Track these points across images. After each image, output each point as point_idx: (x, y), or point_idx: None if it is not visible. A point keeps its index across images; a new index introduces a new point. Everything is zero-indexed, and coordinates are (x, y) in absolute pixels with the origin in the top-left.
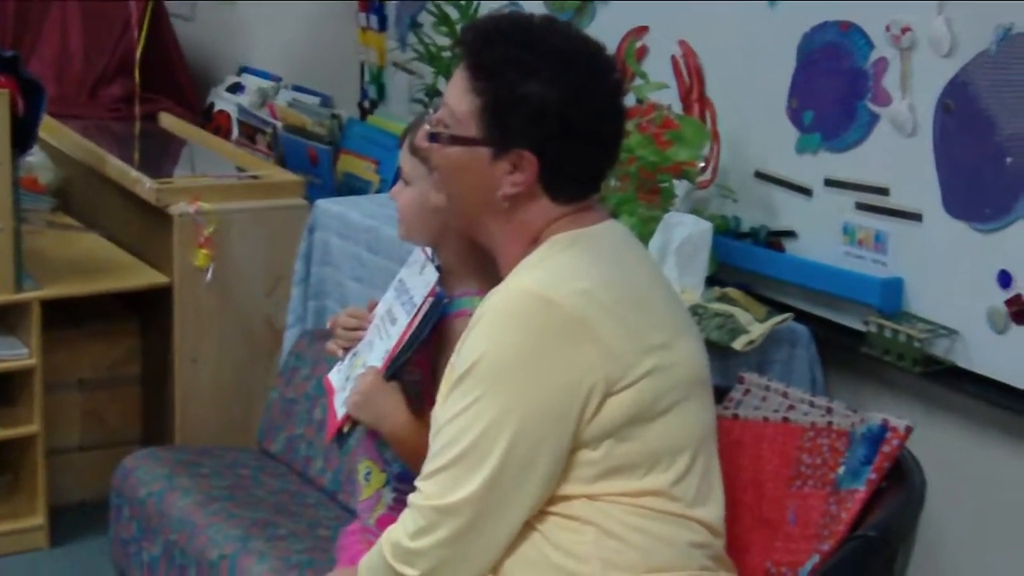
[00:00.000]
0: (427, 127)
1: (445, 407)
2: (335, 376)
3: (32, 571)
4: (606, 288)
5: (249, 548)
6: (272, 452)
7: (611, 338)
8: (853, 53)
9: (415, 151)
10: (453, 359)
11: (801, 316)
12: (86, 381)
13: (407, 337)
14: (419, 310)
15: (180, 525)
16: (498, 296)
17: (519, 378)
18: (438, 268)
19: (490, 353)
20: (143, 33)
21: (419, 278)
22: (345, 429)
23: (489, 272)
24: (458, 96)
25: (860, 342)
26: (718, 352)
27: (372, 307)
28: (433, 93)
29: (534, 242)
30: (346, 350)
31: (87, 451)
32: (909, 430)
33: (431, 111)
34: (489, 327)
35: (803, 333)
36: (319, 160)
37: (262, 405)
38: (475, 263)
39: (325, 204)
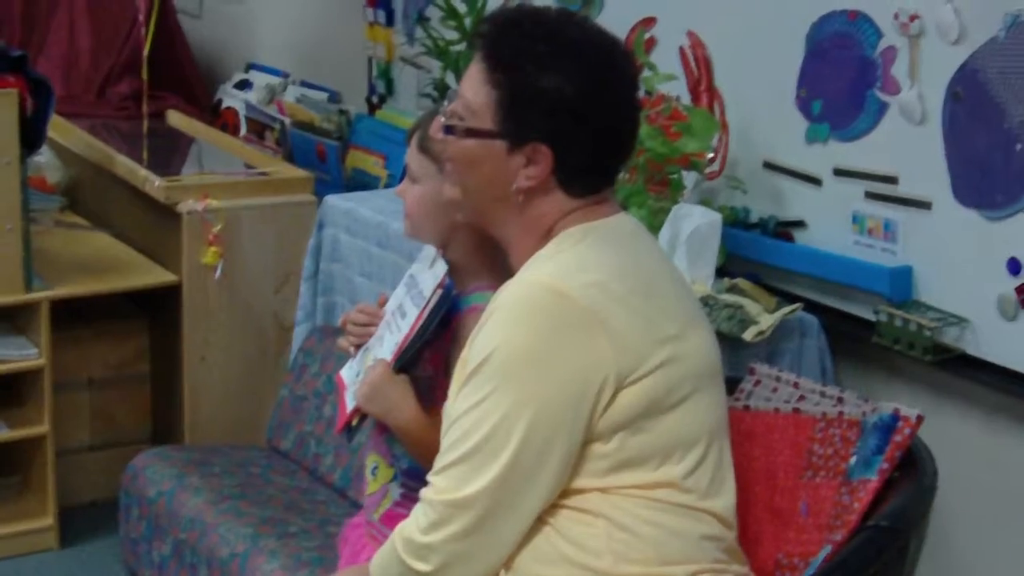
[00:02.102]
0: (442, 119)
1: (457, 401)
2: (347, 372)
3: (43, 572)
4: (618, 280)
5: (260, 546)
6: (282, 450)
7: (624, 330)
8: (861, 42)
9: (423, 149)
10: (465, 353)
11: (811, 306)
12: (95, 380)
13: (416, 329)
14: (428, 302)
15: (190, 524)
16: (510, 289)
17: (532, 371)
18: (447, 264)
19: (503, 346)
20: (151, 30)
21: (429, 272)
22: (354, 422)
23: (499, 267)
24: (474, 88)
25: (870, 331)
26: (728, 343)
27: (383, 303)
28: (442, 87)
29: (547, 235)
30: (357, 347)
31: (96, 451)
32: (920, 419)
33: (445, 103)
34: (502, 320)
35: (813, 323)
36: (328, 156)
37: (271, 402)
38: (485, 259)
39: (334, 200)
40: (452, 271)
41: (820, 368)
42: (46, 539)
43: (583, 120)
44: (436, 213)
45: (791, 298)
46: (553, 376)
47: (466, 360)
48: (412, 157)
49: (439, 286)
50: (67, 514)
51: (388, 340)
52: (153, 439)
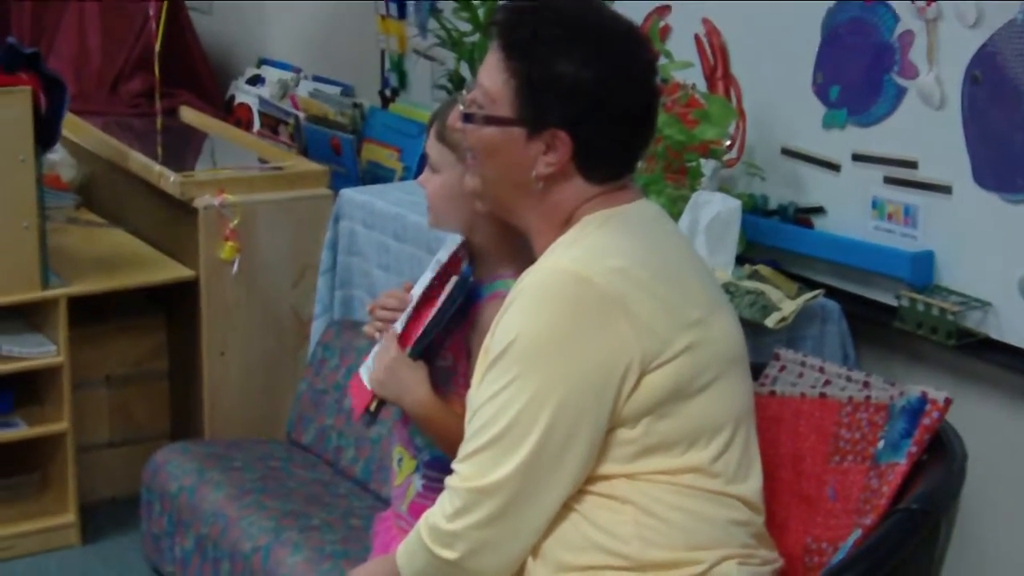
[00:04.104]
0: (461, 108)
1: (481, 388)
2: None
3: (65, 569)
4: (641, 265)
5: (282, 539)
6: (303, 443)
7: (647, 315)
8: (878, 26)
9: (442, 138)
10: (487, 340)
11: (831, 292)
12: (114, 377)
13: (432, 316)
14: (444, 288)
15: (212, 518)
16: (532, 276)
17: (556, 357)
18: (469, 252)
19: (526, 332)
20: (161, 27)
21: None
22: (372, 407)
23: (522, 255)
24: (492, 76)
25: (892, 317)
26: (750, 329)
27: (407, 289)
28: (457, 79)
29: (567, 222)
30: (383, 333)
31: (116, 447)
32: (949, 402)
33: (464, 92)
34: (524, 307)
35: (834, 309)
36: (343, 149)
37: (291, 397)
38: (508, 246)
39: (350, 193)
40: (477, 258)
41: (842, 354)
42: (67, 536)
43: (601, 105)
44: (458, 202)
45: (811, 284)
46: (577, 362)
47: (488, 347)
48: (432, 147)
49: (455, 273)
50: (88, 511)
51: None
52: (172, 435)
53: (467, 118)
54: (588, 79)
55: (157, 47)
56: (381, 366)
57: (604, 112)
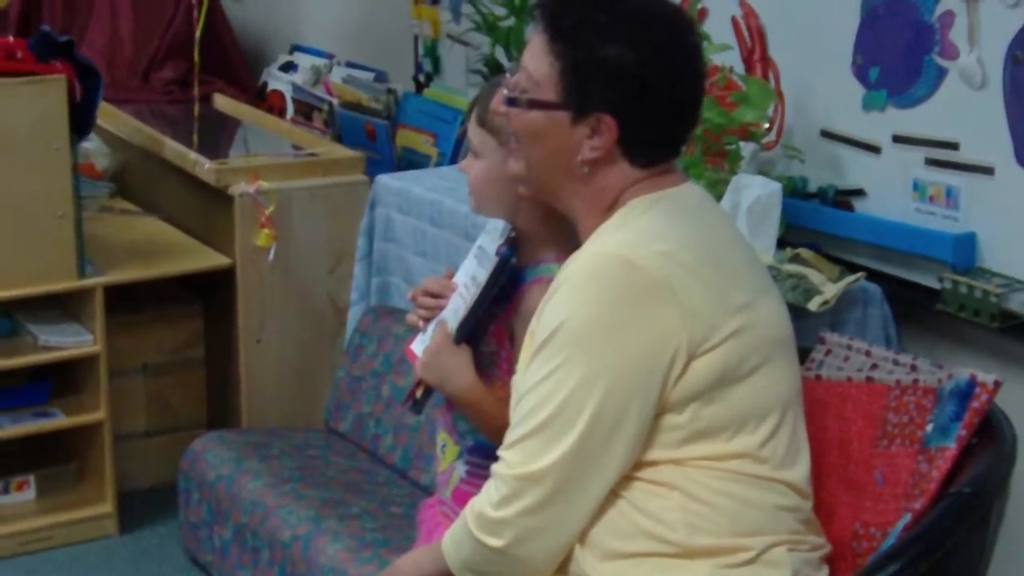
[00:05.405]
0: (504, 91)
1: (527, 374)
2: (417, 346)
3: (103, 558)
4: (687, 249)
5: (322, 528)
6: (340, 431)
7: (694, 299)
8: (918, 7)
9: (484, 123)
10: (533, 325)
11: (872, 275)
12: (150, 366)
13: (474, 300)
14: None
15: (251, 507)
16: (578, 261)
17: (602, 342)
18: (513, 236)
19: (572, 318)
20: (204, 13)
21: (497, 243)
22: (418, 394)
23: (566, 239)
24: (536, 60)
25: (934, 299)
26: (792, 313)
27: (450, 276)
28: (492, 63)
29: (613, 206)
30: (427, 321)
31: (153, 436)
32: (998, 384)
33: (507, 76)
34: (570, 291)
35: (876, 292)
36: (377, 135)
37: (328, 384)
38: (551, 230)
39: (386, 179)
40: (521, 242)
41: (884, 337)
42: (105, 526)
43: (646, 89)
44: (500, 187)
45: (852, 267)
46: (624, 347)
47: (534, 332)
48: (473, 132)
49: (495, 253)
50: (125, 500)
51: (462, 309)
52: (210, 424)
53: (511, 102)
54: (634, 63)
55: (198, 34)
56: (425, 351)
57: (650, 96)
